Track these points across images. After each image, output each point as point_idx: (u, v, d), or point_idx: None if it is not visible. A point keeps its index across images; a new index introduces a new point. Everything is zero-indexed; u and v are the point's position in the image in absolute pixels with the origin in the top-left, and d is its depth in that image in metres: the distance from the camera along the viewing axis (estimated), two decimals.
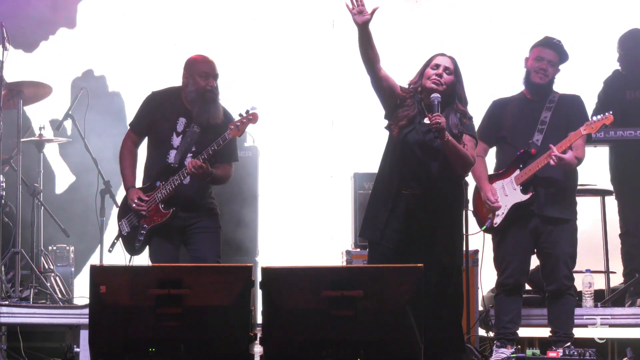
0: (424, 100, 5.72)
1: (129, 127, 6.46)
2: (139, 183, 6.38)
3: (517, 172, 6.32)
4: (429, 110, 5.66)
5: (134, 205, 6.22)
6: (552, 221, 6.29)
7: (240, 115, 6.11)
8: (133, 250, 6.32)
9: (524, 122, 6.39)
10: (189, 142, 6.21)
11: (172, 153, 6.23)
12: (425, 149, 5.67)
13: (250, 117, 6.08)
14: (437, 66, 5.70)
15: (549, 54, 6.36)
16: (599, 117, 6.25)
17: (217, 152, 6.12)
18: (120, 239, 6.38)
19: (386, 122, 5.84)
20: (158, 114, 6.33)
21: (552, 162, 6.16)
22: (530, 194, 6.26)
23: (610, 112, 6.27)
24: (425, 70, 5.73)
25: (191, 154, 6.17)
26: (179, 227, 6.25)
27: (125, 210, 6.34)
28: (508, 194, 6.31)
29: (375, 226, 5.71)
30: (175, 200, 6.19)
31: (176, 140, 6.26)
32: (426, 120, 5.65)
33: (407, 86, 5.79)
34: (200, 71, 6.23)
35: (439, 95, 5.59)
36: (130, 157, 6.38)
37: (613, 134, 6.83)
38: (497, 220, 6.31)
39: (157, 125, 6.32)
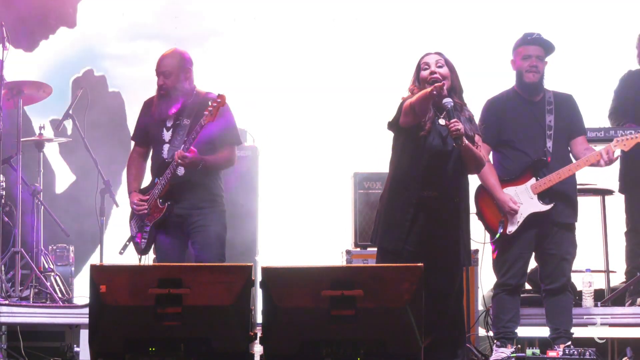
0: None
1: (133, 142, 6.55)
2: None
3: (533, 180, 6.27)
4: (438, 111, 5.66)
5: (134, 207, 6.32)
6: (560, 225, 6.31)
7: (211, 101, 6.11)
8: (139, 249, 6.38)
9: (531, 127, 6.34)
10: (181, 136, 6.26)
11: (165, 148, 6.30)
12: (444, 152, 5.66)
13: (219, 101, 6.11)
14: (428, 65, 5.69)
15: (535, 50, 6.34)
16: (632, 134, 6.24)
17: (212, 138, 6.17)
18: (131, 240, 6.43)
19: (388, 122, 5.82)
20: (149, 118, 6.41)
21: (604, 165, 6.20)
22: (552, 204, 6.22)
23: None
24: (419, 74, 5.71)
25: (184, 145, 6.21)
26: (180, 222, 6.27)
27: (133, 212, 6.41)
28: (523, 202, 6.26)
29: (396, 235, 5.68)
30: (172, 193, 6.23)
31: (167, 135, 6.32)
32: (441, 122, 5.64)
33: (409, 93, 5.76)
34: (156, 71, 6.35)
35: (450, 100, 5.56)
36: (134, 168, 6.48)
37: (613, 133, 6.83)
38: (512, 228, 6.25)
39: (150, 127, 6.40)
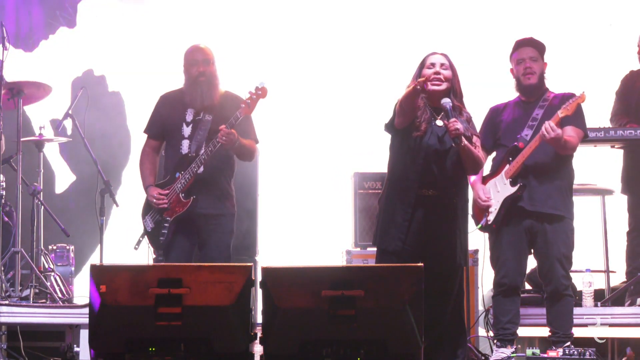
0: (429, 102, 5.73)
1: (145, 135, 6.57)
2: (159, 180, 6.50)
3: (507, 167, 6.32)
4: (436, 113, 5.70)
5: (154, 201, 6.33)
6: (546, 218, 6.27)
7: (250, 92, 6.18)
8: (159, 245, 6.42)
9: (517, 122, 6.39)
10: (203, 131, 6.29)
11: (185, 143, 6.34)
12: (441, 152, 5.68)
13: (260, 92, 6.18)
14: (433, 65, 5.72)
15: (526, 52, 6.37)
16: (572, 99, 6.25)
17: (230, 125, 6.22)
18: (145, 236, 6.47)
19: (385, 124, 5.85)
20: (167, 111, 6.45)
21: (546, 135, 6.09)
22: (519, 184, 6.25)
23: (583, 92, 6.27)
24: (421, 72, 5.74)
25: (208, 142, 6.24)
26: (197, 221, 6.32)
27: (148, 207, 6.45)
28: (500, 190, 6.32)
29: (395, 236, 5.70)
30: (194, 189, 6.27)
31: (186, 130, 6.37)
32: (439, 122, 5.67)
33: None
34: (190, 60, 6.39)
35: (449, 100, 5.61)
36: (148, 162, 6.50)
37: (613, 133, 6.83)
38: (491, 217, 6.31)
39: (168, 121, 6.44)
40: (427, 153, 5.68)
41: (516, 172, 6.27)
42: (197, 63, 6.34)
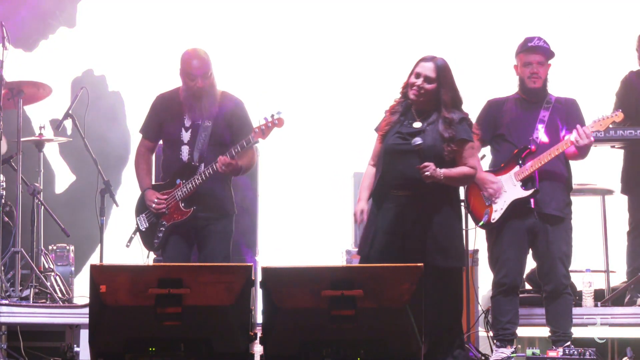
0: (413, 105, 5.75)
1: (140, 135, 6.54)
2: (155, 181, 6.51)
3: (517, 168, 6.31)
4: (419, 115, 5.72)
5: (153, 205, 6.31)
6: (549, 219, 6.28)
7: (266, 119, 6.17)
8: (152, 246, 6.43)
9: (523, 120, 6.39)
10: (204, 137, 6.26)
11: (185, 149, 6.31)
12: (409, 152, 5.65)
13: (276, 122, 6.18)
14: (419, 75, 5.70)
15: (534, 57, 6.35)
16: (608, 114, 6.26)
17: (232, 139, 6.24)
18: (138, 233, 6.46)
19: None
20: (165, 114, 6.41)
21: (580, 141, 6.13)
22: (533, 189, 6.24)
23: (620, 110, 6.29)
24: (409, 77, 5.75)
25: (210, 148, 6.23)
26: (195, 228, 6.32)
27: (143, 206, 6.43)
28: (507, 190, 6.30)
29: (364, 241, 5.75)
30: (194, 199, 6.26)
31: (185, 136, 6.33)
32: (416, 125, 5.69)
33: (400, 89, 5.81)
34: (186, 73, 6.28)
35: (419, 140, 5.60)
36: (144, 163, 6.49)
37: (613, 133, 6.83)
38: (495, 216, 6.29)
39: (166, 125, 6.40)
40: (392, 155, 5.68)
41: (528, 176, 6.26)
42: (195, 78, 6.22)
